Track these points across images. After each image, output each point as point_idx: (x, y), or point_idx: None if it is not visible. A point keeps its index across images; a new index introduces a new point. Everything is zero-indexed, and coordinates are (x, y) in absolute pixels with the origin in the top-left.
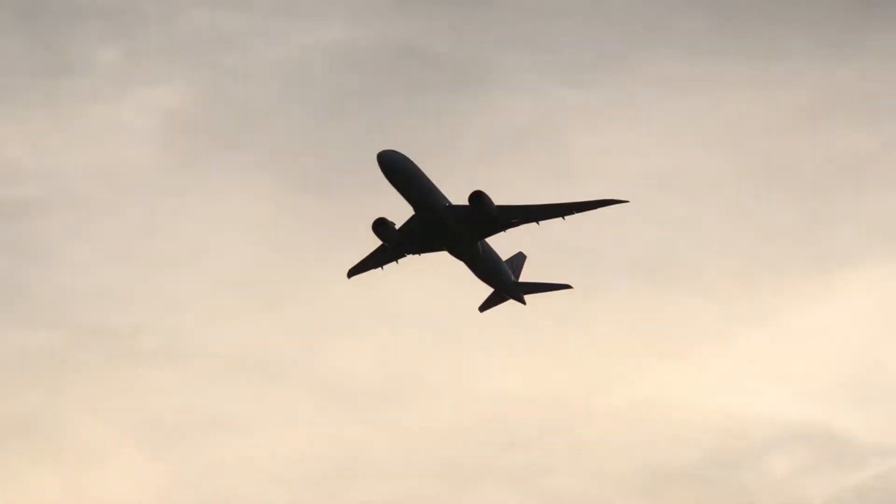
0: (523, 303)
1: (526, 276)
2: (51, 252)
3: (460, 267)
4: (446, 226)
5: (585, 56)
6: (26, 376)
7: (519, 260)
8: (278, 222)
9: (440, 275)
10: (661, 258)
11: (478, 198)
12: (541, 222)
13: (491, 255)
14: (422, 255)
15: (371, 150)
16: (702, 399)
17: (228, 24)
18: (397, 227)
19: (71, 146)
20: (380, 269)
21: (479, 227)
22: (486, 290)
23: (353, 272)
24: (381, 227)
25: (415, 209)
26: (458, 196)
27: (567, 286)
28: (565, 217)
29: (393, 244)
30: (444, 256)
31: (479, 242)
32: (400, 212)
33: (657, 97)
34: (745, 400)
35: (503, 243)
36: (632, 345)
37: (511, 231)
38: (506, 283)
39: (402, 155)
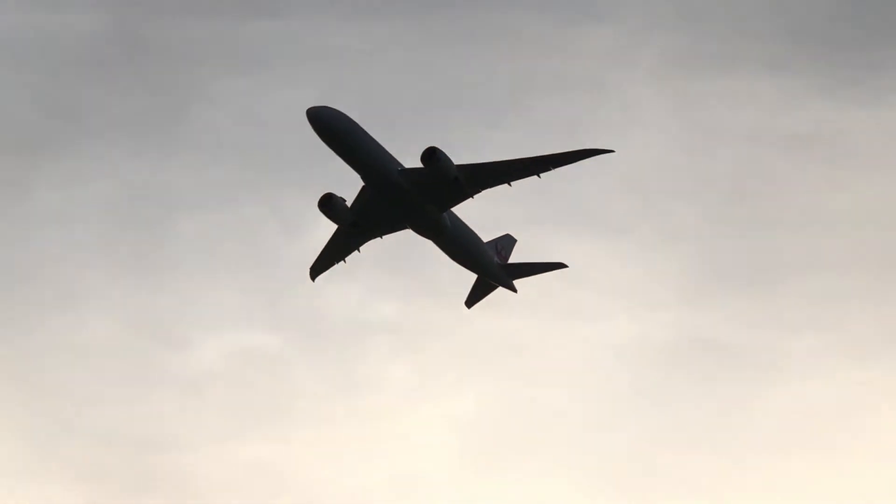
0: (514, 290)
1: None
2: None
3: (433, 251)
4: (402, 194)
5: (876, 332)
6: None
7: (506, 242)
8: None
9: None
10: None
11: (432, 156)
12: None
13: (463, 231)
14: (384, 237)
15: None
16: None
17: (514, 332)
18: (349, 203)
19: (368, 463)
20: (343, 262)
21: (440, 192)
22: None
23: (314, 271)
24: (329, 205)
25: (363, 177)
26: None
27: (561, 265)
28: (541, 175)
29: (346, 224)
30: (411, 239)
31: (445, 215)
32: None
33: None
34: None
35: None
36: None
37: None
38: (487, 266)
39: (338, 111)
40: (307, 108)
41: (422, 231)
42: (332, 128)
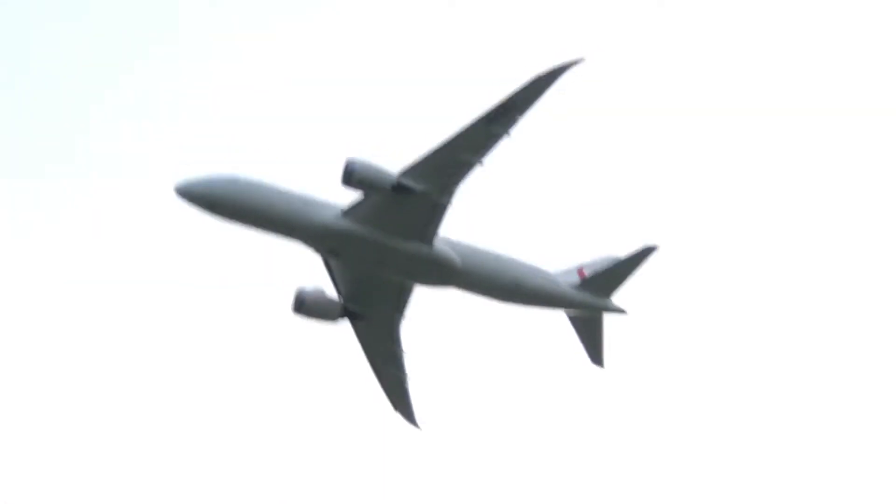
0: (620, 311)
1: None
2: None
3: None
4: (360, 244)
5: None
6: None
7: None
8: None
9: None
10: None
11: (350, 170)
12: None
13: (484, 260)
14: (403, 313)
15: None
16: None
17: None
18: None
19: None
20: (405, 376)
21: (400, 217)
22: None
23: (403, 411)
24: (304, 304)
25: (307, 246)
26: None
27: (649, 250)
28: (510, 132)
29: (336, 317)
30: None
31: (444, 248)
32: None
33: None
34: None
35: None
36: None
37: None
38: (553, 294)
39: (214, 177)
40: (174, 186)
41: (431, 281)
42: (212, 198)
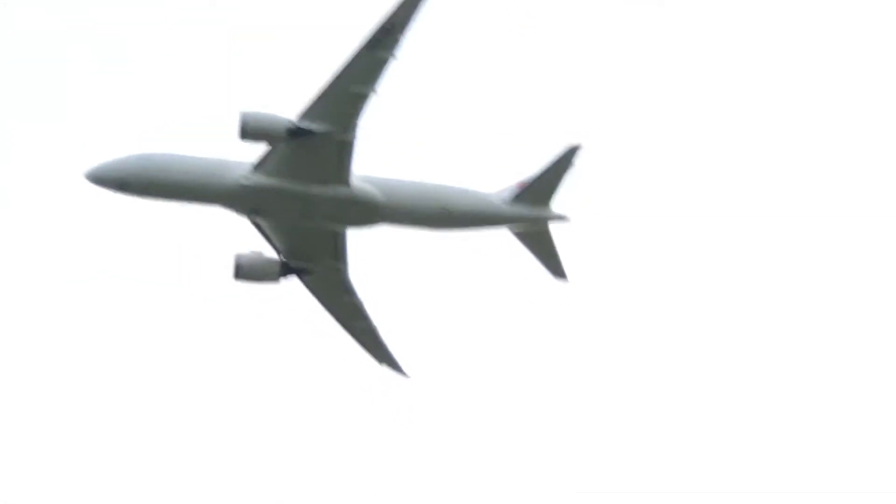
0: (563, 218)
1: None
2: None
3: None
4: (277, 197)
5: None
6: None
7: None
8: None
9: None
10: None
11: (243, 123)
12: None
13: (407, 191)
14: (345, 260)
15: None
16: None
17: None
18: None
19: None
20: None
21: (307, 161)
22: None
23: (387, 361)
24: (244, 270)
25: (228, 207)
26: None
27: (574, 150)
28: (395, 54)
29: (277, 275)
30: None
31: (363, 185)
32: None
33: None
34: None
35: None
36: None
37: None
38: (486, 212)
39: (121, 159)
40: (84, 172)
41: (357, 222)
42: (124, 177)
